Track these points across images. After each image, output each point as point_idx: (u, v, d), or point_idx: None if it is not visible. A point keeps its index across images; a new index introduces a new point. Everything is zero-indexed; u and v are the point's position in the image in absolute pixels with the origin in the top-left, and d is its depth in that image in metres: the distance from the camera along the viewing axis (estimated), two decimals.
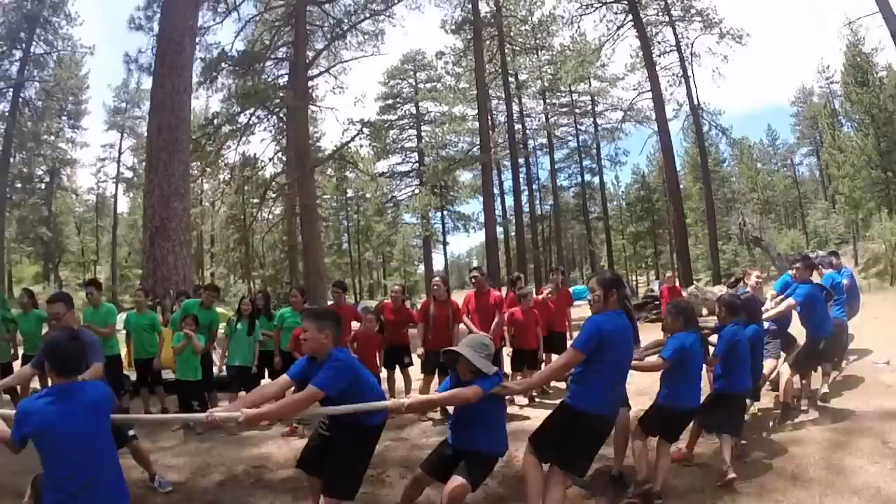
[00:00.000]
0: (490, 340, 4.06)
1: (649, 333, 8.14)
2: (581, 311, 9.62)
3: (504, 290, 9.90)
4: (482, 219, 35.86)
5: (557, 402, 7.20)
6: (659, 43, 33.69)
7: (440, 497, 3.75)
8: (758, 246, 37.02)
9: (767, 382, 6.47)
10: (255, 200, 34.02)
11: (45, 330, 7.66)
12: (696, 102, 33.77)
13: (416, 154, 50.80)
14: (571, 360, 3.87)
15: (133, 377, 8.26)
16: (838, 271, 8.01)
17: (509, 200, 43.46)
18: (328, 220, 52.02)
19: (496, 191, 39.20)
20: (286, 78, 27.60)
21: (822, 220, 47.31)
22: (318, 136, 42.92)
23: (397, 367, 8.03)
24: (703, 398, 4.79)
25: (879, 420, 5.69)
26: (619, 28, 32.86)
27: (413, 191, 48.23)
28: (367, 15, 26.07)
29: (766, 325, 6.33)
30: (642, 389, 6.23)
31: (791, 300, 6.16)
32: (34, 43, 36.46)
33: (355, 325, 7.96)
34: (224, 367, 8.00)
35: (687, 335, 4.50)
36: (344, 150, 27.96)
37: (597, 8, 32.71)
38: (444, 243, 56.05)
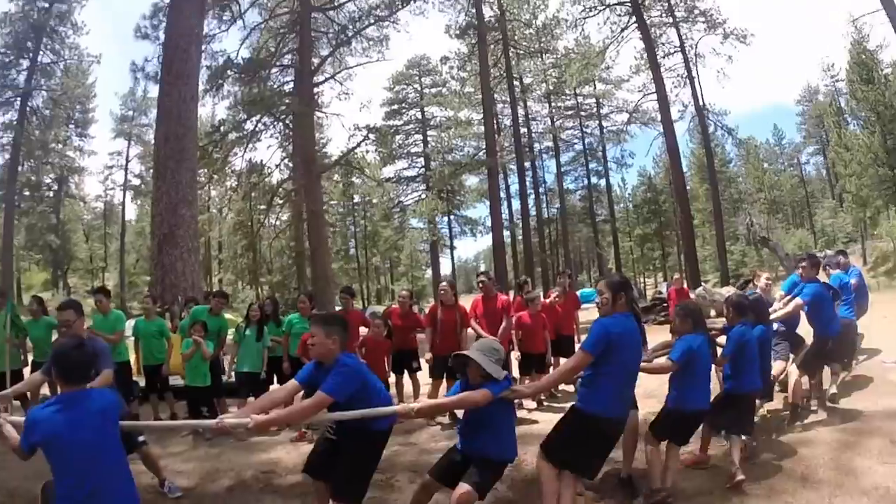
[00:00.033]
0: (500, 346, 4.07)
1: (657, 335, 8.14)
2: (589, 315, 9.61)
3: (511, 294, 9.90)
4: (489, 223, 35.90)
5: (566, 405, 7.22)
6: (663, 44, 33.63)
7: (449, 503, 3.74)
8: (766, 246, 36.87)
9: (777, 384, 6.44)
10: (263, 207, 34.05)
11: (54, 337, 7.73)
12: (701, 103, 33.69)
13: (422, 159, 50.88)
14: (580, 362, 3.87)
15: (142, 383, 8.33)
16: (846, 270, 7.97)
17: (516, 204, 43.35)
18: (335, 225, 52.15)
19: (503, 195, 39.22)
20: (292, 84, 27.73)
21: (830, 219, 47.15)
22: (324, 143, 43.12)
23: (405, 371, 8.03)
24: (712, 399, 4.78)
25: (889, 420, 5.67)
26: (622, 30, 32.83)
27: (420, 195, 48.30)
28: (372, 21, 26.15)
29: (774, 326, 6.32)
30: (650, 392, 6.22)
31: (799, 300, 6.14)
32: (41, 52, 36.82)
33: (363, 330, 7.98)
34: (233, 373, 8.05)
35: (694, 337, 4.50)
36: (350, 156, 27.98)
37: (600, 10, 32.68)
38: (452, 248, 56.09)
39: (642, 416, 5.17)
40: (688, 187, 39.12)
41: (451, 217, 51.78)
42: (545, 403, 8.01)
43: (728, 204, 46.90)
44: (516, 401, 4.92)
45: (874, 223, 37.85)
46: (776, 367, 6.10)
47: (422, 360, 7.94)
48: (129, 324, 8.73)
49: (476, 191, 47.19)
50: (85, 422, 2.79)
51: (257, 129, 26.61)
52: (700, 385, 4.49)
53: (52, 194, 47.37)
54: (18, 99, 36.41)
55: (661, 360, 4.63)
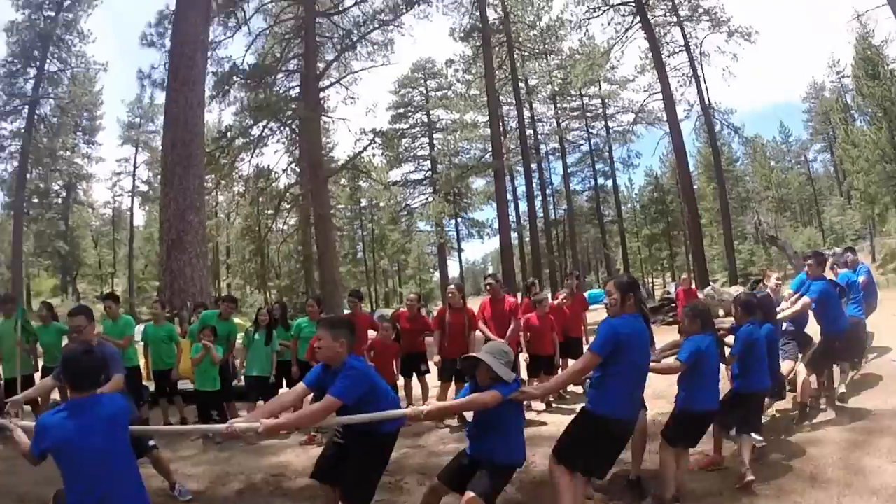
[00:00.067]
0: (509, 348, 4.07)
1: (666, 336, 8.13)
2: (596, 316, 9.61)
3: (520, 296, 9.90)
4: (496, 225, 35.76)
5: (575, 406, 7.23)
6: (668, 44, 33.49)
7: None
8: (774, 245, 36.74)
9: (787, 383, 6.43)
10: (270, 211, 34.19)
11: (64, 342, 7.80)
12: (707, 102, 33.55)
13: (428, 162, 50.88)
14: (588, 363, 3.88)
15: (152, 388, 8.39)
16: (855, 268, 7.93)
17: (523, 206, 43.46)
18: (343, 229, 52.26)
19: (510, 196, 39.25)
20: (298, 90, 27.76)
21: (838, 217, 46.92)
22: (330, 147, 43.17)
23: (414, 374, 8.06)
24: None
25: None
26: (627, 30, 32.73)
27: (427, 198, 48.29)
28: (376, 25, 26.17)
29: (784, 325, 6.31)
30: (659, 393, 6.21)
31: (806, 298, 6.12)
32: (48, 61, 37.01)
33: (372, 333, 8.00)
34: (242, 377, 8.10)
35: (702, 338, 4.49)
36: (357, 160, 28.01)
37: (604, 11, 32.60)
38: (459, 250, 56.04)
39: (651, 417, 5.17)
40: (695, 187, 39.09)
41: (459, 219, 51.78)
42: (554, 405, 8.02)
43: (735, 203, 46.73)
44: (525, 402, 4.93)
45: (882, 220, 37.69)
46: (785, 366, 6.09)
47: (430, 363, 7.96)
48: (139, 329, 8.80)
49: (483, 193, 47.14)
50: (95, 427, 2.80)
51: (264, 134, 26.69)
52: (708, 385, 4.48)
53: (60, 201, 47.70)
54: (26, 107, 36.61)
55: (669, 361, 4.63)
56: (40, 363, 8.22)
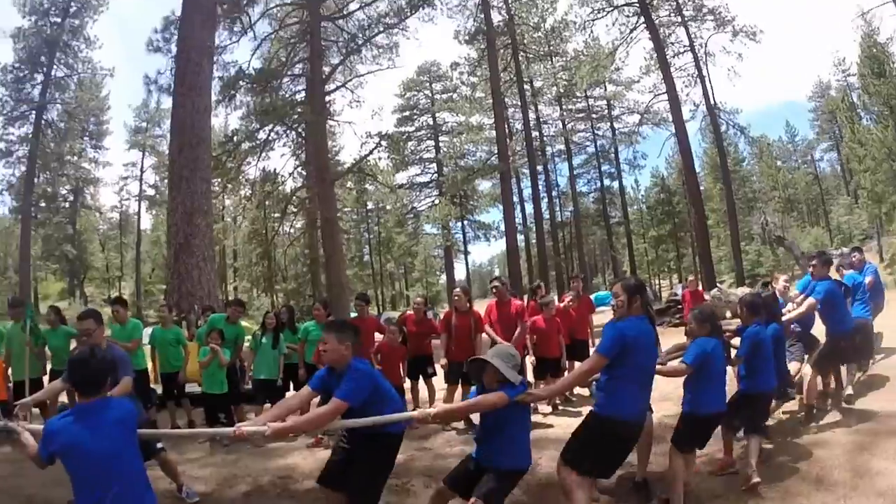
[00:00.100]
0: (516, 351, 4.08)
1: (672, 338, 8.11)
2: (603, 318, 9.62)
3: (525, 298, 9.92)
4: (503, 227, 35.74)
5: (581, 409, 7.25)
6: (672, 44, 33.49)
7: None
8: (781, 245, 36.62)
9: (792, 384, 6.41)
10: (277, 215, 34.23)
11: (73, 345, 7.86)
12: (712, 102, 33.52)
13: (434, 165, 50.95)
14: (595, 365, 3.89)
15: (159, 391, 8.44)
16: (862, 268, 7.90)
17: (529, 208, 43.32)
18: (349, 232, 52.30)
19: (516, 199, 39.09)
20: (303, 94, 27.85)
21: (846, 216, 46.63)
22: (336, 150, 43.30)
23: (421, 377, 8.08)
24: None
25: None
26: (631, 31, 32.75)
27: (433, 201, 48.30)
28: (381, 29, 26.19)
29: (792, 326, 6.30)
30: (666, 395, 6.22)
31: (811, 299, 6.09)
32: (55, 66, 37.31)
33: (379, 336, 8.03)
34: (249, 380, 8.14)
35: (707, 340, 4.48)
36: (363, 163, 28.02)
37: (608, 12, 32.63)
38: (466, 253, 56.14)
39: (657, 420, 5.17)
40: (701, 187, 38.97)
41: (465, 222, 51.84)
42: (560, 408, 8.02)
43: (742, 203, 46.63)
44: (531, 406, 4.93)
45: (890, 219, 37.44)
46: (791, 368, 6.07)
47: (437, 366, 7.98)
48: (146, 332, 8.84)
49: (489, 195, 47.17)
50: (103, 431, 2.81)
51: (270, 138, 26.79)
52: (714, 388, 4.47)
53: (67, 205, 48.06)
54: (33, 112, 36.92)
55: (675, 363, 4.63)
56: (48, 366, 8.26)
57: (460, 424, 7.11)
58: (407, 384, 7.91)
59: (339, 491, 3.76)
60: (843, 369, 6.55)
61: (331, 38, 27.96)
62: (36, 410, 7.19)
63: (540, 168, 43.95)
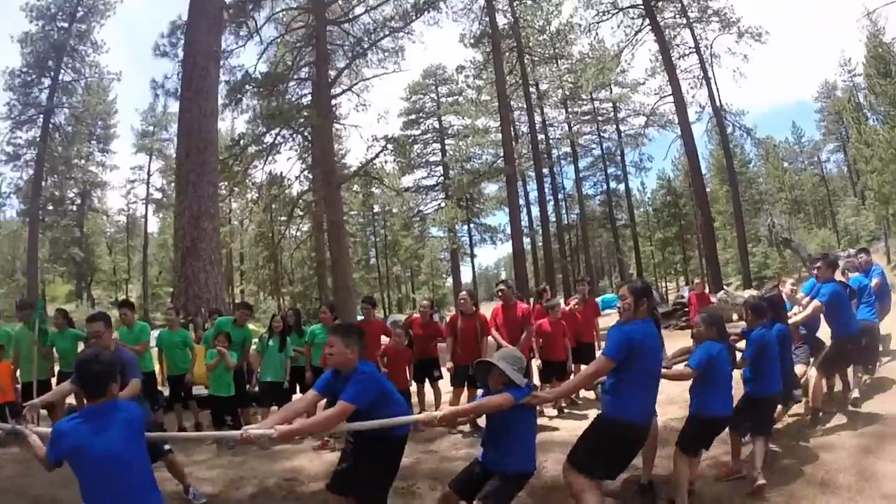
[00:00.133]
0: (522, 355, 4.09)
1: (679, 341, 8.11)
2: (609, 321, 9.62)
3: (531, 301, 9.93)
4: (509, 230, 35.71)
5: (587, 412, 7.26)
6: (678, 45, 33.40)
7: None
8: (788, 247, 36.50)
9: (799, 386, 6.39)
10: (283, 218, 34.36)
11: (80, 348, 7.91)
12: (718, 104, 33.42)
13: (440, 168, 50.98)
14: (601, 368, 3.91)
15: (166, 393, 8.49)
16: (868, 269, 7.87)
17: (535, 211, 43.30)
18: (356, 235, 52.41)
19: (522, 202, 39.20)
20: (309, 97, 27.89)
21: (853, 218, 46.36)
22: (343, 154, 43.33)
23: (427, 380, 8.09)
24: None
25: None
26: (636, 33, 32.69)
27: (439, 204, 48.39)
28: (387, 32, 26.20)
29: (801, 329, 6.29)
30: (671, 398, 6.21)
31: (816, 302, 6.08)
32: (62, 71, 37.50)
33: (385, 339, 8.05)
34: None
35: (713, 344, 4.49)
36: (369, 167, 28.04)
37: (613, 14, 32.59)
38: (472, 255, 56.07)
39: (663, 423, 5.17)
40: (707, 189, 38.87)
41: (471, 225, 51.84)
42: (566, 410, 8.03)
43: (749, 205, 46.45)
44: (537, 409, 4.94)
45: None
46: (797, 370, 6.06)
47: (443, 369, 8.00)
48: (154, 334, 8.89)
49: (495, 198, 47.18)
50: (110, 433, 2.82)
51: (276, 141, 26.82)
52: (721, 392, 4.48)
53: (75, 208, 48.36)
54: (41, 116, 37.11)
55: (680, 367, 4.63)
56: (56, 368, 8.32)
57: (466, 427, 7.12)
58: (413, 387, 7.92)
59: (348, 496, 3.77)
60: (850, 372, 6.53)
61: (337, 41, 28.01)
62: (44, 412, 7.24)
63: (546, 171, 44.02)
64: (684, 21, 32.55)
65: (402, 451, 3.86)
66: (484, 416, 3.99)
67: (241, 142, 25.53)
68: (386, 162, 30.76)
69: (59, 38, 36.01)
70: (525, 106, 38.82)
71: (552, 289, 12.34)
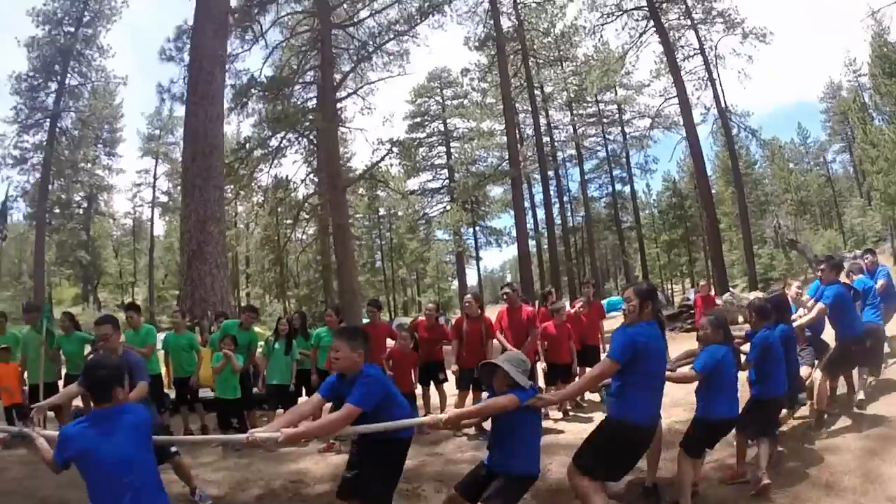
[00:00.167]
0: (527, 358, 4.10)
1: (684, 343, 8.10)
2: (614, 324, 9.61)
3: (537, 304, 9.95)
4: (514, 233, 35.64)
5: (592, 415, 7.26)
6: (682, 47, 33.28)
7: None
8: (794, 249, 36.37)
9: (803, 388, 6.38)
10: (289, 221, 34.38)
11: (86, 350, 7.97)
12: (723, 105, 33.31)
13: (446, 171, 51.00)
14: (606, 370, 3.93)
15: (173, 395, 8.53)
16: (874, 270, 7.84)
17: (540, 213, 43.17)
18: (361, 238, 52.37)
19: (527, 204, 39.00)
20: (315, 101, 27.92)
21: (859, 218, 46.19)
22: (348, 157, 43.45)
23: (432, 383, 8.11)
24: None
25: None
26: (641, 35, 32.57)
27: (444, 207, 48.39)
28: (392, 36, 26.22)
29: (806, 332, 6.28)
30: (676, 401, 6.21)
31: (821, 304, 6.06)
32: (69, 75, 37.66)
33: (390, 342, 8.07)
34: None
35: (718, 347, 4.51)
36: (374, 170, 28.08)
37: (618, 16, 32.50)
38: (477, 258, 56.04)
39: (667, 425, 5.18)
40: (713, 191, 38.76)
41: (477, 228, 51.80)
42: (571, 413, 8.03)
43: (754, 206, 46.36)
44: (542, 411, 4.95)
45: None
46: (801, 372, 6.05)
47: (448, 372, 8.01)
48: (160, 337, 8.94)
49: (500, 201, 47.13)
50: (118, 437, 2.86)
51: (282, 145, 26.88)
52: (726, 394, 4.48)
53: (81, 211, 48.51)
54: (48, 120, 37.25)
55: (685, 370, 4.64)
56: (63, 371, 8.37)
57: (471, 430, 7.14)
58: (418, 390, 7.94)
59: (355, 500, 3.78)
60: (855, 374, 6.52)
61: (342, 45, 28.06)
62: (51, 413, 7.30)
63: (551, 173, 43.86)
64: (689, 22, 32.47)
65: (406, 453, 3.87)
66: (489, 418, 4.00)
67: (247, 145, 25.62)
68: (391, 165, 30.87)
69: (65, 43, 36.17)
70: (530, 108, 38.75)
71: (557, 291, 12.32)
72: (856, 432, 5.61)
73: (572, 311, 8.94)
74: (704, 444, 4.54)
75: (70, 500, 4.84)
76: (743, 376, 5.01)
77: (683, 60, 33.14)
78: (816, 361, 6.34)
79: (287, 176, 31.54)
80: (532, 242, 38.86)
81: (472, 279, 57.58)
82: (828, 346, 6.47)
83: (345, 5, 26.08)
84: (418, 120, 51.56)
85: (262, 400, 8.23)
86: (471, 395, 7.46)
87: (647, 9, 31.08)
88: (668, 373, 4.26)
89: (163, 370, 8.48)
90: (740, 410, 4.69)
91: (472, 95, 43.65)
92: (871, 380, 6.86)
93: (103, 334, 4.91)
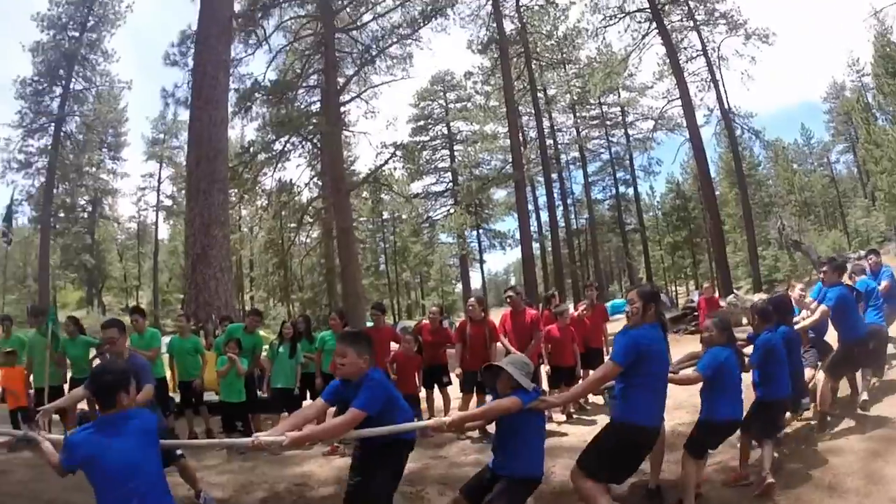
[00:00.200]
0: (530, 360, 4.11)
1: (688, 346, 8.09)
2: (618, 326, 9.61)
3: (541, 306, 9.96)
4: (518, 236, 35.72)
5: (595, 418, 7.27)
6: (685, 48, 33.30)
7: None
8: (798, 250, 36.27)
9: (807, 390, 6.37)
10: (293, 225, 34.48)
11: (92, 354, 8.01)
12: (726, 106, 33.31)
13: (449, 174, 50.92)
14: (609, 372, 3.94)
15: (178, 399, 8.56)
16: (878, 271, 7.83)
17: (544, 216, 43.27)
18: (365, 242, 52.44)
19: (531, 207, 39.11)
20: (318, 105, 27.98)
21: (863, 219, 46.05)
22: (352, 160, 43.41)
23: (436, 386, 8.13)
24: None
25: None
26: (643, 37, 32.56)
27: (448, 210, 48.29)
28: (395, 39, 26.33)
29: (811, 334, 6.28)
30: (679, 403, 6.22)
31: (823, 307, 6.06)
32: (73, 79, 37.72)
33: (394, 346, 8.09)
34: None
35: (721, 349, 4.51)
36: (378, 173, 28.14)
37: (620, 18, 32.46)
38: (481, 261, 55.89)
39: (670, 427, 5.18)
40: (717, 192, 38.74)
41: (480, 231, 51.76)
42: (574, 416, 8.03)
43: (758, 208, 46.22)
44: (546, 414, 4.97)
45: None
46: (805, 374, 6.06)
47: (452, 375, 8.03)
48: (165, 341, 8.98)
49: (504, 204, 47.15)
50: (123, 442, 2.88)
51: (286, 149, 27.03)
52: (730, 396, 4.48)
53: (86, 215, 48.70)
54: (52, 124, 37.34)
55: (688, 372, 4.65)
56: (69, 374, 8.40)
57: (475, 433, 7.14)
58: (422, 393, 7.96)
59: None
60: (858, 375, 6.51)
61: (345, 49, 28.12)
62: (56, 417, 7.35)
63: (554, 176, 43.92)
64: (691, 24, 32.48)
65: (407, 455, 3.87)
66: (493, 421, 4.01)
67: (251, 149, 25.69)
68: (395, 168, 30.96)
69: (70, 48, 36.29)
70: (533, 111, 38.75)
71: (561, 294, 12.34)
72: (859, 434, 5.59)
73: (576, 313, 8.95)
74: (708, 445, 4.55)
75: (76, 502, 4.86)
76: (747, 378, 5.02)
77: (686, 62, 33.20)
78: (819, 363, 6.34)
79: (291, 179, 31.73)
80: (536, 245, 38.93)
81: (475, 282, 57.55)
82: (831, 347, 6.46)
83: (348, 9, 26.20)
84: (422, 123, 51.51)
85: (266, 404, 8.25)
86: (474, 398, 7.46)
87: (649, 11, 31.08)
88: (671, 375, 4.28)
89: (168, 374, 8.51)
90: (745, 413, 4.70)
91: (476, 98, 43.64)
92: (875, 381, 6.84)
93: (109, 338, 4.94)
